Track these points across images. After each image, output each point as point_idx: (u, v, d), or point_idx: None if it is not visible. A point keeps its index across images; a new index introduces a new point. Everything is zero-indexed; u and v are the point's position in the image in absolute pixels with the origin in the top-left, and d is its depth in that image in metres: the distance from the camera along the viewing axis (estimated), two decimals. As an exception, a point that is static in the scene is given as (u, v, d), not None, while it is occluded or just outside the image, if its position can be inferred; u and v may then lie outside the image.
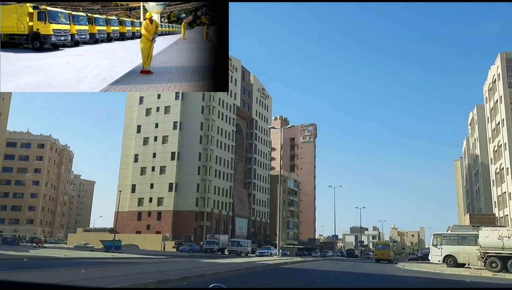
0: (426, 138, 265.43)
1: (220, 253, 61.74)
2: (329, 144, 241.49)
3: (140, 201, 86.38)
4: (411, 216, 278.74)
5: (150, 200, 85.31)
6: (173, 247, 71.55)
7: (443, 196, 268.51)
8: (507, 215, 57.38)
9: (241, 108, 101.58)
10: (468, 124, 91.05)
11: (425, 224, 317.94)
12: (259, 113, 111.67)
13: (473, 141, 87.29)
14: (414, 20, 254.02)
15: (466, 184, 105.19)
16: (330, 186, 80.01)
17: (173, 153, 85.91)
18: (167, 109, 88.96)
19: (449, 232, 38.40)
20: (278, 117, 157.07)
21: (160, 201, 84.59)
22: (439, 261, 36.13)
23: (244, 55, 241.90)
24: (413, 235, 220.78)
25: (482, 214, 56.49)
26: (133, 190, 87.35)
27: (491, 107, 65.44)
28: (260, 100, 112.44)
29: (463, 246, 35.03)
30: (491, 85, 64.09)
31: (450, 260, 35.27)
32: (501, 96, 58.50)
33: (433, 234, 37.85)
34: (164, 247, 70.07)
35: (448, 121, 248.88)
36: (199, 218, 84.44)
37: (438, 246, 36.42)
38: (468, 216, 54.22)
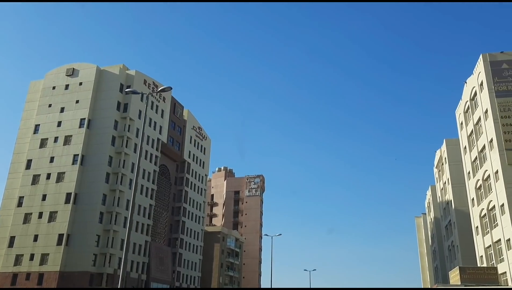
0: (382, 201, 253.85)
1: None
2: (278, 201, 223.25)
3: (18, 259, 64.31)
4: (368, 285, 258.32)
5: (32, 257, 63.52)
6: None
7: (402, 262, 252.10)
8: (505, 272, 41.17)
9: (168, 145, 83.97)
10: (434, 166, 77.36)
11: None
12: (194, 155, 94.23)
13: (441, 186, 73.07)
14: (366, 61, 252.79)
15: (433, 242, 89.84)
16: (266, 235, 61.80)
17: (68, 195, 65.91)
18: (67, 139, 70.04)
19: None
20: (222, 169, 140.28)
21: (44, 258, 62.94)
22: None
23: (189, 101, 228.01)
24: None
25: (479, 268, 40.48)
26: (11, 244, 65.40)
27: (469, 133, 51.60)
28: (195, 141, 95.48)
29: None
30: (468, 103, 50.65)
31: None
32: (486, 111, 44.70)
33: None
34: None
35: (401, 182, 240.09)
36: (97, 282, 63.03)
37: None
38: (458, 272, 37.80)
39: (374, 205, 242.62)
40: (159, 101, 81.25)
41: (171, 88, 24.47)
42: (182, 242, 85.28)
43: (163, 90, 24.07)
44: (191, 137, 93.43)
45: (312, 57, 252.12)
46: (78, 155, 68.22)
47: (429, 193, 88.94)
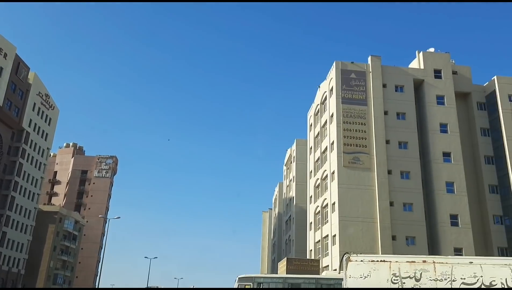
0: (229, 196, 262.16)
1: None
2: (133, 186, 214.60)
3: None
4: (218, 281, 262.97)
5: None
6: None
7: (247, 255, 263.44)
8: (328, 265, 44.57)
9: (4, 109, 73.08)
10: (284, 164, 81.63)
11: None
12: (36, 125, 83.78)
13: (287, 183, 77.30)
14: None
15: (274, 236, 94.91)
16: (101, 216, 57.61)
17: None
18: None
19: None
20: (71, 145, 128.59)
21: None
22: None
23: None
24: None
25: (304, 260, 42.99)
26: None
27: (316, 134, 54.97)
28: (40, 109, 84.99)
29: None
30: (319, 106, 53.89)
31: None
32: (331, 115, 47.84)
33: (239, 278, 20.26)
34: None
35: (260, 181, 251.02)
36: None
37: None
38: (285, 263, 39.62)
39: (230, 202, 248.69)
40: (-4, 55, 70.15)
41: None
42: (9, 220, 74.99)
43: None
44: (34, 104, 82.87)
45: (199, 27, 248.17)
46: None
47: (277, 189, 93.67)
